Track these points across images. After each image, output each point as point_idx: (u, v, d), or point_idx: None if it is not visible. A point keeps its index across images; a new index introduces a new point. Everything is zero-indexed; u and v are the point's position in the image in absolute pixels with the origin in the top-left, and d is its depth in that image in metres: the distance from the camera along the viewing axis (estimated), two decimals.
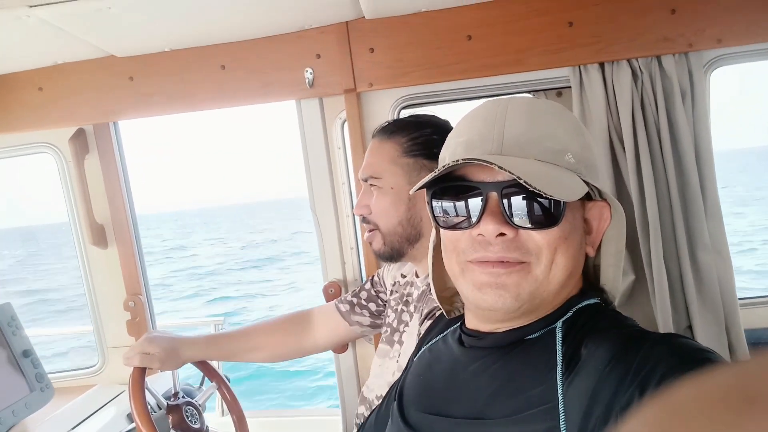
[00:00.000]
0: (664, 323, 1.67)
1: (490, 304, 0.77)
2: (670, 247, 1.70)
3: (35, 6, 1.40)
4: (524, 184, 0.69)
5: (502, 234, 0.75)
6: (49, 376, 1.87)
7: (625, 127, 1.66)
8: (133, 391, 1.43)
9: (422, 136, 1.33)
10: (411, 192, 0.84)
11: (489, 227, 0.74)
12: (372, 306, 1.63)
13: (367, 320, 1.63)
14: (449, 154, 0.82)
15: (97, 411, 1.96)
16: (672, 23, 1.64)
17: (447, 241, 0.83)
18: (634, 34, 1.65)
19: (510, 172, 0.69)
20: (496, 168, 0.70)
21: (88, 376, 2.20)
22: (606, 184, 1.70)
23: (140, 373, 1.47)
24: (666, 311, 1.67)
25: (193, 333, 1.73)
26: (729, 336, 1.70)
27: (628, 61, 1.65)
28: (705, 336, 1.67)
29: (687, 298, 1.70)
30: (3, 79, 1.94)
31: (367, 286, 1.66)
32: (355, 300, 1.64)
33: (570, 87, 1.72)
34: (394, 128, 1.36)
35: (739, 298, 1.73)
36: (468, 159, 0.73)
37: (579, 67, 1.68)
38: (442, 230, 0.85)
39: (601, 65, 1.67)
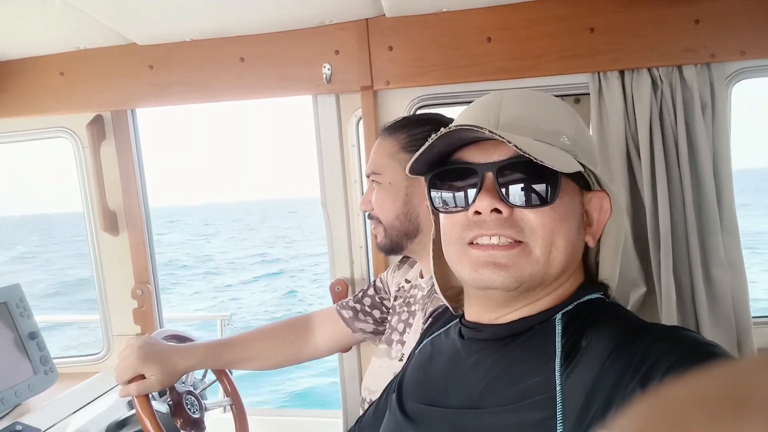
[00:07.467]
0: None
1: (488, 282, 0.76)
2: (682, 261, 1.68)
3: None
4: (515, 148, 0.70)
5: (497, 211, 0.75)
6: (53, 360, 1.88)
7: (642, 136, 1.64)
8: (147, 420, 1.33)
9: (421, 132, 1.35)
10: (406, 168, 0.84)
11: (484, 203, 0.75)
12: (376, 313, 1.61)
13: (370, 327, 1.61)
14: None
15: (99, 397, 1.96)
16: (695, 33, 1.62)
17: (446, 228, 0.83)
18: (655, 43, 1.63)
19: (501, 137, 0.70)
20: (487, 133, 0.71)
21: (92, 362, 2.21)
22: (621, 193, 1.68)
23: (144, 401, 1.35)
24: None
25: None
26: (740, 355, 1.66)
27: (649, 69, 1.64)
28: None
29: (698, 313, 1.67)
30: (25, 63, 1.97)
31: (371, 291, 1.64)
32: (358, 306, 1.62)
33: (588, 94, 1.71)
34: (397, 126, 1.40)
35: (753, 317, 1.69)
36: (459, 125, 0.73)
37: (598, 73, 1.67)
38: (441, 218, 0.85)
39: (621, 73, 1.66)
